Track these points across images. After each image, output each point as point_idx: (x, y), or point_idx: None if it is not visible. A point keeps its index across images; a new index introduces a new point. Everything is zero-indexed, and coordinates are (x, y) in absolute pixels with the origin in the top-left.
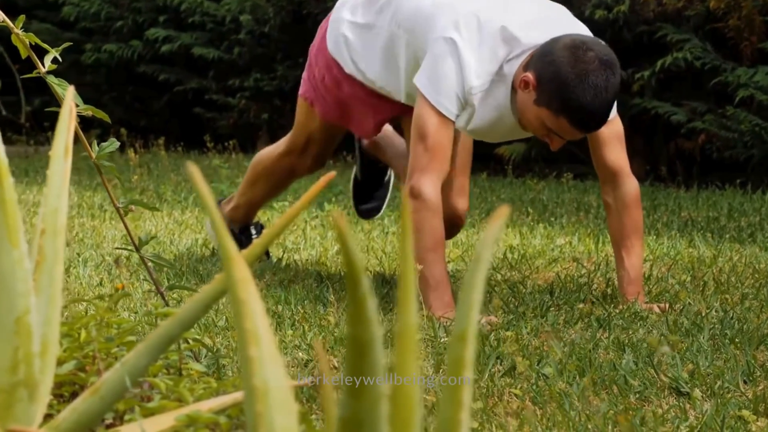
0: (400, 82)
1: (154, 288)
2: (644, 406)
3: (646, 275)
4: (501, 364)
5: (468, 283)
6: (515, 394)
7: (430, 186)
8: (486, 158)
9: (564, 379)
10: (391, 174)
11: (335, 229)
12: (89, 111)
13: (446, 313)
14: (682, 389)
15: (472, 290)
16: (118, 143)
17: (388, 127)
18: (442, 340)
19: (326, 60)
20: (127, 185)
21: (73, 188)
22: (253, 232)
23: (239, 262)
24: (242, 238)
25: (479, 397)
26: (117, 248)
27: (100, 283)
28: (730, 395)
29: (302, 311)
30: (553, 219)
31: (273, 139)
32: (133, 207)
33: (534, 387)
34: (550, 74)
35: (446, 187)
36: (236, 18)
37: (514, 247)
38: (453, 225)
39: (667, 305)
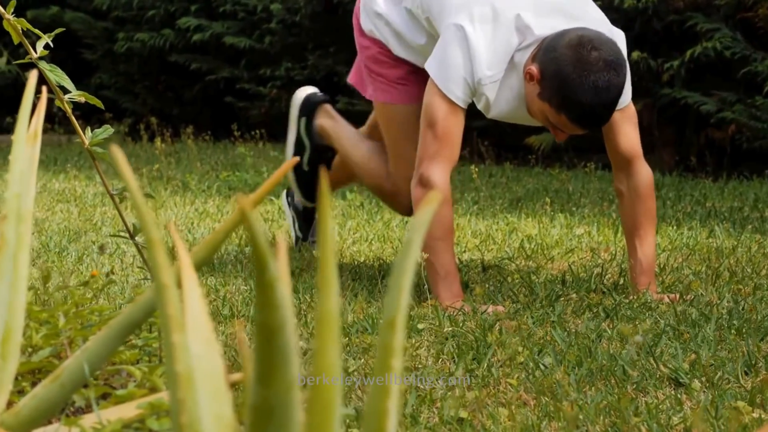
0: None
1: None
2: (640, 396)
3: (662, 265)
4: (501, 354)
5: (398, 267)
6: (511, 384)
7: (439, 174)
8: (515, 148)
9: (562, 369)
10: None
11: (239, 212)
12: (82, 97)
13: (454, 302)
14: (681, 380)
15: (402, 275)
16: (112, 130)
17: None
18: (445, 330)
19: (366, 39)
20: (153, 174)
21: (98, 176)
22: (330, 153)
23: (160, 248)
24: (303, 217)
25: (474, 386)
26: (112, 235)
27: (111, 271)
28: (729, 386)
29: (309, 300)
30: (574, 209)
31: None
32: (127, 194)
33: (531, 377)
34: (552, 71)
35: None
36: (267, 7)
37: (532, 236)
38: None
39: (678, 295)
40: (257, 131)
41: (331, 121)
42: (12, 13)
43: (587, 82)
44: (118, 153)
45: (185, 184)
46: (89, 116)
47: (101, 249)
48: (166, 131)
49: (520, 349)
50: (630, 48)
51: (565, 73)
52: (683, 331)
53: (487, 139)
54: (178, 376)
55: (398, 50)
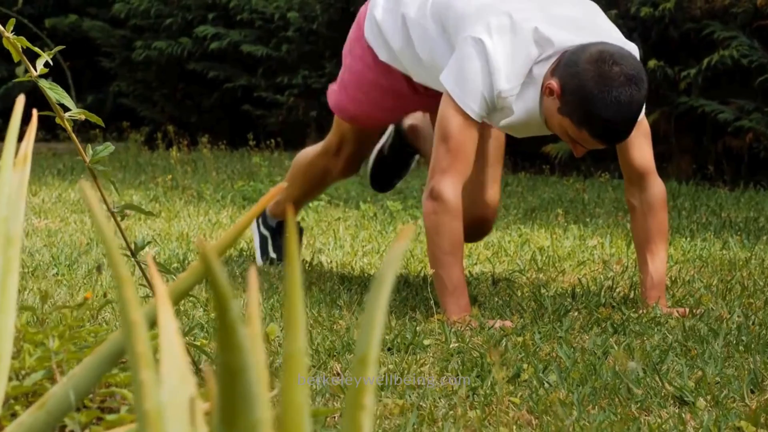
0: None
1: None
2: (644, 415)
3: (673, 278)
4: (506, 371)
5: (370, 303)
6: (513, 403)
7: (450, 188)
8: (531, 156)
9: (566, 387)
10: (415, 160)
11: (200, 255)
12: (82, 115)
13: (462, 317)
14: (686, 398)
15: (374, 311)
16: (112, 147)
17: (428, 119)
18: (451, 346)
19: (362, 49)
20: (168, 183)
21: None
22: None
23: (129, 285)
24: (278, 234)
25: (477, 404)
26: None
27: (104, 294)
28: (733, 405)
29: (316, 315)
30: (588, 219)
31: (321, 137)
32: (128, 212)
33: (534, 395)
34: (573, 86)
35: (479, 179)
36: (284, 15)
37: (544, 248)
38: (485, 218)
39: (687, 310)
40: (272, 140)
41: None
42: (12, 31)
43: (609, 98)
44: (86, 188)
45: (200, 194)
46: (106, 126)
47: (98, 269)
48: (183, 140)
49: (525, 366)
50: (647, 56)
51: (586, 88)
52: (691, 347)
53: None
54: (147, 414)
55: (389, 59)
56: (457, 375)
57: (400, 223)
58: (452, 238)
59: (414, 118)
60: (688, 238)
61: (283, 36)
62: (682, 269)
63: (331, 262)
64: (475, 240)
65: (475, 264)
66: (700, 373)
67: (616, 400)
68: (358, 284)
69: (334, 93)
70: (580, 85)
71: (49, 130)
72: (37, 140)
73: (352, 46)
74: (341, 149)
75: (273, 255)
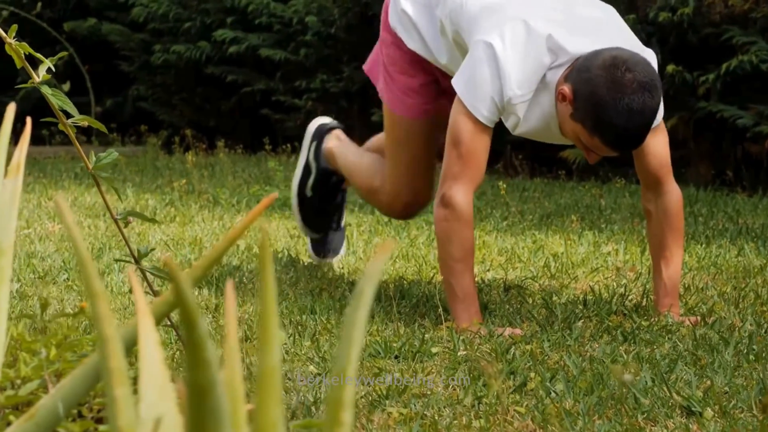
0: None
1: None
2: (650, 426)
3: (687, 285)
4: (513, 380)
5: (349, 319)
6: (518, 412)
7: (461, 195)
8: (550, 161)
9: (573, 396)
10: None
11: (168, 272)
12: (85, 121)
13: (471, 325)
14: (693, 408)
15: (353, 328)
16: (116, 154)
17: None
18: (459, 354)
19: (391, 34)
20: (184, 188)
21: (131, 190)
22: (334, 178)
23: (103, 300)
24: (324, 177)
25: (482, 415)
26: (117, 260)
27: (130, 291)
28: (741, 416)
29: (325, 322)
30: (604, 225)
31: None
32: (131, 219)
33: (539, 405)
34: (586, 93)
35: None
36: (303, 19)
37: (558, 255)
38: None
39: (699, 318)
40: (287, 145)
41: (337, 142)
42: (14, 38)
43: (621, 105)
44: (61, 202)
45: (215, 199)
46: (125, 129)
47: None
48: (201, 144)
49: (532, 375)
50: (665, 61)
51: (598, 95)
52: (701, 356)
53: (522, 152)
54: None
55: (417, 48)
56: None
57: (414, 228)
58: (463, 246)
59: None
60: (704, 245)
61: (301, 40)
62: (696, 276)
63: (342, 267)
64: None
65: (488, 270)
66: (708, 382)
67: (623, 410)
68: None
69: (393, 100)
70: (593, 92)
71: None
72: (56, 144)
73: (382, 36)
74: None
75: (309, 193)
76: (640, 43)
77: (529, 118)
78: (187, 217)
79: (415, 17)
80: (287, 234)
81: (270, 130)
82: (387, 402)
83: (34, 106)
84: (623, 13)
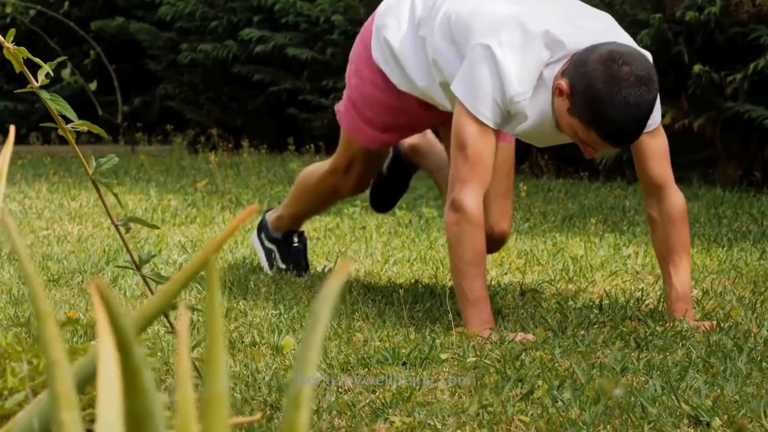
0: (439, 91)
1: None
2: None
3: (705, 289)
4: (521, 388)
5: (305, 341)
6: (523, 422)
7: (471, 198)
8: (576, 161)
9: (579, 405)
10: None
11: (99, 298)
12: (84, 126)
13: (483, 330)
14: (701, 418)
15: (308, 348)
16: (116, 159)
17: (430, 135)
18: (468, 360)
19: (371, 70)
20: (208, 188)
21: (154, 191)
22: (295, 240)
23: (51, 322)
24: (283, 246)
25: (485, 424)
26: (118, 266)
27: (142, 295)
28: (750, 425)
29: (335, 327)
30: (626, 228)
31: None
32: (132, 225)
33: (545, 414)
34: (582, 87)
35: (489, 202)
36: (329, 18)
37: (577, 257)
38: (496, 239)
39: (714, 323)
40: (311, 145)
41: (275, 211)
42: (13, 43)
43: (618, 98)
44: (6, 217)
45: (238, 199)
46: (153, 128)
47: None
48: (226, 143)
49: (540, 382)
50: (692, 61)
51: (595, 88)
52: (713, 363)
53: (547, 152)
54: None
55: (401, 83)
56: (470, 391)
57: (435, 230)
58: (474, 249)
59: (413, 137)
60: (726, 248)
61: (327, 39)
62: (715, 280)
63: (359, 270)
64: (490, 252)
65: (506, 273)
66: (719, 391)
67: (629, 419)
68: (382, 294)
69: (345, 115)
70: (589, 85)
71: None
72: (82, 143)
73: (358, 67)
74: (350, 168)
75: (282, 266)
76: (636, 45)
77: (528, 117)
78: (207, 218)
79: (397, 46)
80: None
81: (296, 129)
82: (390, 410)
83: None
84: (650, 12)
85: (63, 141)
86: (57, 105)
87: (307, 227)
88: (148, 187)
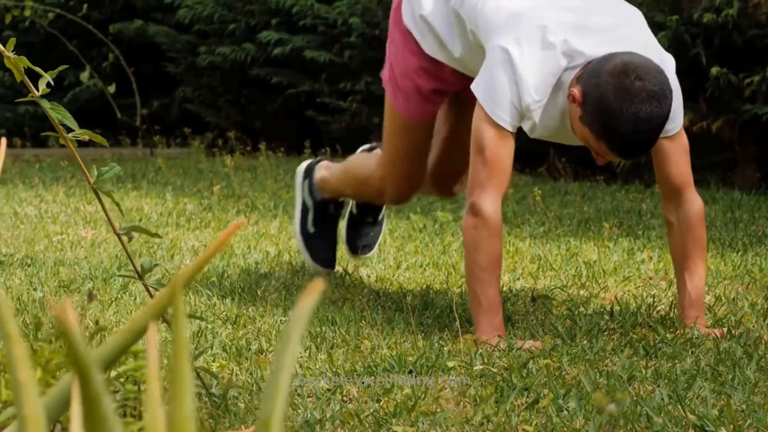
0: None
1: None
2: None
3: (717, 295)
4: (526, 396)
5: (276, 363)
6: (527, 431)
7: (489, 203)
8: (593, 164)
9: (584, 415)
10: (384, 213)
11: (59, 325)
12: (85, 135)
13: (493, 337)
14: (707, 428)
15: (279, 371)
16: (119, 168)
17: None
18: (475, 368)
19: (401, 34)
20: (224, 192)
21: (170, 194)
22: (332, 208)
23: (18, 343)
24: (320, 209)
25: None
26: (120, 275)
27: (96, 321)
28: None
29: (344, 334)
30: (641, 232)
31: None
32: (134, 234)
33: (549, 424)
34: (594, 98)
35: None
36: (347, 21)
37: (590, 262)
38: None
39: (725, 330)
40: (327, 148)
41: (326, 170)
42: (14, 53)
43: (628, 113)
44: None
45: (253, 203)
46: (171, 131)
47: (89, 296)
48: (244, 146)
49: (546, 391)
50: (709, 63)
51: (606, 101)
52: (721, 371)
53: (565, 155)
54: None
55: (433, 50)
56: (475, 400)
57: (449, 234)
58: (490, 255)
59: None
60: (740, 252)
61: (345, 42)
62: (728, 286)
63: (370, 276)
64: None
65: (518, 279)
66: (725, 400)
67: (634, 429)
68: (392, 301)
69: (394, 97)
70: (600, 97)
71: (112, 135)
72: (99, 146)
73: (392, 34)
74: (394, 170)
75: (312, 229)
76: (660, 48)
77: (546, 119)
78: (222, 222)
79: (431, 17)
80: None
81: (315, 132)
82: (394, 420)
83: (80, 109)
84: (667, 14)
85: (82, 144)
86: (58, 114)
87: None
88: (165, 190)
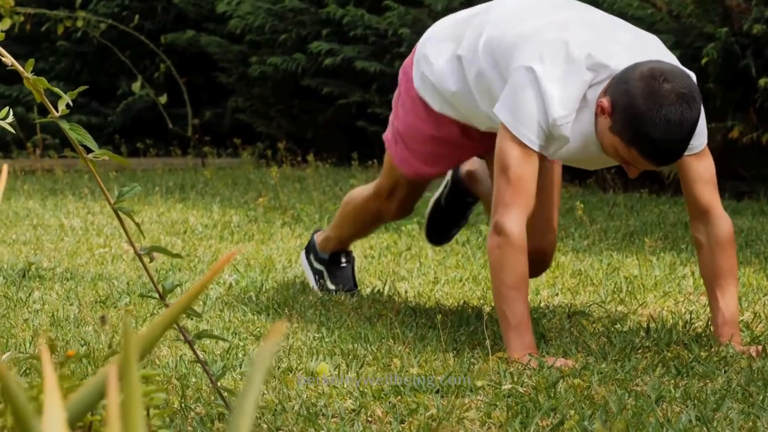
0: (483, 114)
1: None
2: None
3: (755, 312)
4: (552, 417)
5: (238, 407)
6: None
7: (514, 222)
8: (641, 175)
9: None
10: (471, 211)
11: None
12: (105, 155)
13: (524, 356)
14: None
15: (241, 416)
16: (139, 188)
17: (483, 163)
18: (504, 388)
19: (412, 100)
20: (271, 203)
21: (217, 206)
22: (343, 260)
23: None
24: (332, 266)
25: None
26: (141, 295)
27: (110, 344)
28: None
29: (375, 351)
30: (684, 246)
31: None
32: (154, 254)
33: None
34: (623, 104)
35: (533, 222)
36: (397, 31)
37: (631, 277)
38: (539, 261)
39: (761, 348)
40: (373, 160)
41: (322, 232)
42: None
43: (659, 116)
44: None
45: (299, 215)
46: (222, 141)
47: (102, 320)
48: (293, 157)
49: (572, 412)
50: (759, 74)
51: (636, 105)
52: (752, 391)
53: (614, 166)
54: None
55: (442, 108)
56: (501, 422)
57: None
58: (516, 273)
59: (471, 164)
60: None
61: (396, 52)
62: (767, 303)
63: (408, 291)
64: (532, 276)
65: (557, 294)
66: (752, 422)
67: None
68: (428, 317)
69: (392, 145)
70: (630, 103)
71: (163, 145)
72: (151, 156)
73: (402, 98)
74: (394, 193)
75: (332, 287)
76: (680, 65)
77: (571, 139)
78: (266, 234)
79: (437, 68)
80: (361, 255)
81: (366, 142)
82: None
83: (133, 118)
84: (717, 26)
85: (133, 154)
86: (77, 135)
87: (363, 245)
88: (212, 202)
